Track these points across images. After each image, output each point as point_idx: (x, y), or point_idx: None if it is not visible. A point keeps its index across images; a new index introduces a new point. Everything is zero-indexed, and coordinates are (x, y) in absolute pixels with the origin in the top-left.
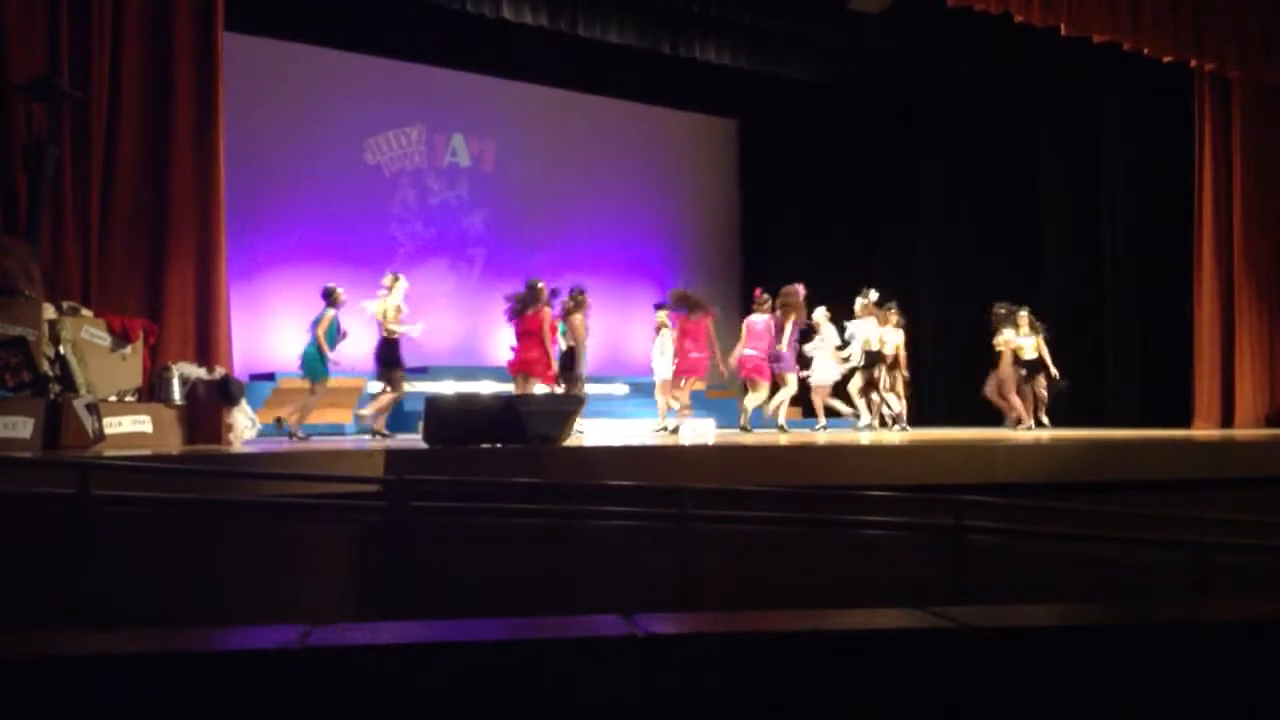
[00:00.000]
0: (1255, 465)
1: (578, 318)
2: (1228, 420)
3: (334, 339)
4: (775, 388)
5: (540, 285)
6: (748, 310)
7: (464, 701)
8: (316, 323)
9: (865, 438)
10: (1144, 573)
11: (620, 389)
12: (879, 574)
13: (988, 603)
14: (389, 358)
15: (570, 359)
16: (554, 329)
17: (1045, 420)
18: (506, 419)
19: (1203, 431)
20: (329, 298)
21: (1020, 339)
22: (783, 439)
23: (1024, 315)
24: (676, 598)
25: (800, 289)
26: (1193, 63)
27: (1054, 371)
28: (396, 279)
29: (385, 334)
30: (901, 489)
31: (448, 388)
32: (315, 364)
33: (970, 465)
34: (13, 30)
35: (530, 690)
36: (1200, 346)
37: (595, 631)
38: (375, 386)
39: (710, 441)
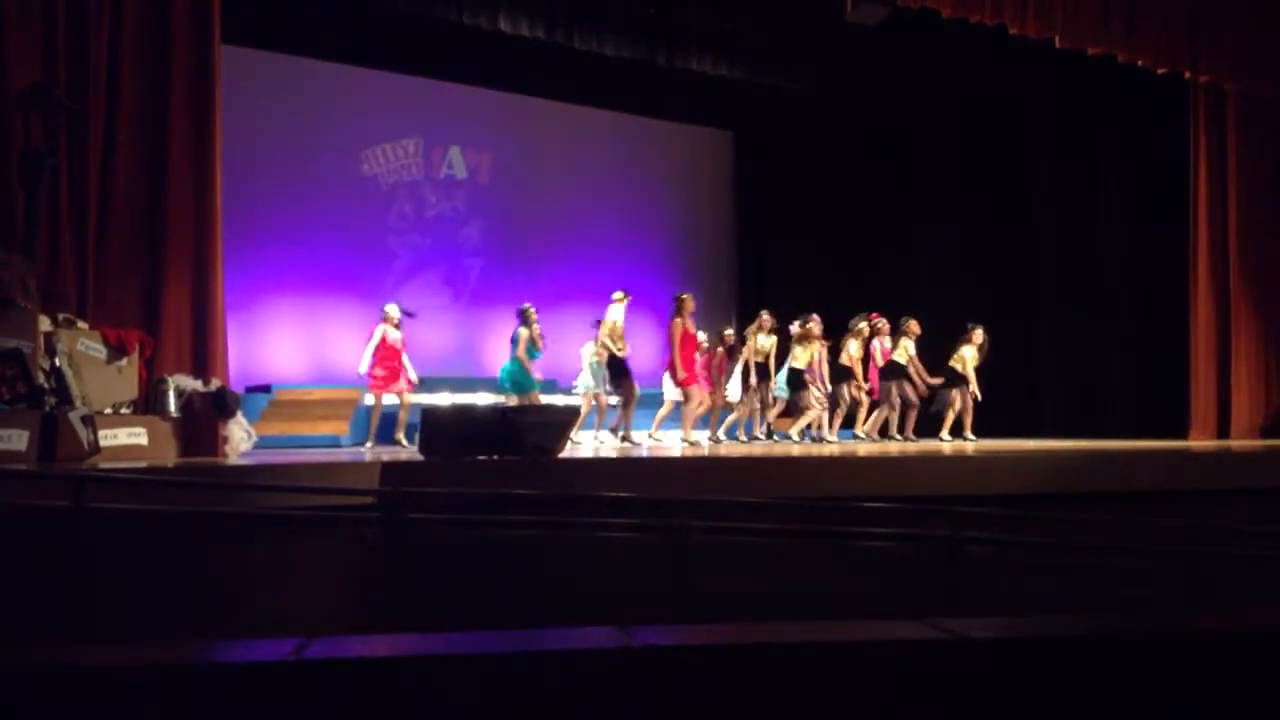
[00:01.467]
0: (1251, 476)
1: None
2: (1223, 431)
3: (533, 353)
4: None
5: (680, 296)
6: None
7: (460, 713)
8: (515, 341)
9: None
10: (1139, 583)
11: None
12: (875, 585)
13: (984, 614)
14: (615, 369)
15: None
16: (685, 338)
17: (962, 435)
18: (503, 430)
19: (1199, 442)
20: (522, 317)
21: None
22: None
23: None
24: (672, 610)
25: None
26: (1187, 74)
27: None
28: (624, 296)
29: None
30: (898, 500)
31: (444, 399)
32: (521, 379)
33: (966, 476)
34: (9, 40)
35: (527, 702)
36: (1196, 357)
37: (592, 643)
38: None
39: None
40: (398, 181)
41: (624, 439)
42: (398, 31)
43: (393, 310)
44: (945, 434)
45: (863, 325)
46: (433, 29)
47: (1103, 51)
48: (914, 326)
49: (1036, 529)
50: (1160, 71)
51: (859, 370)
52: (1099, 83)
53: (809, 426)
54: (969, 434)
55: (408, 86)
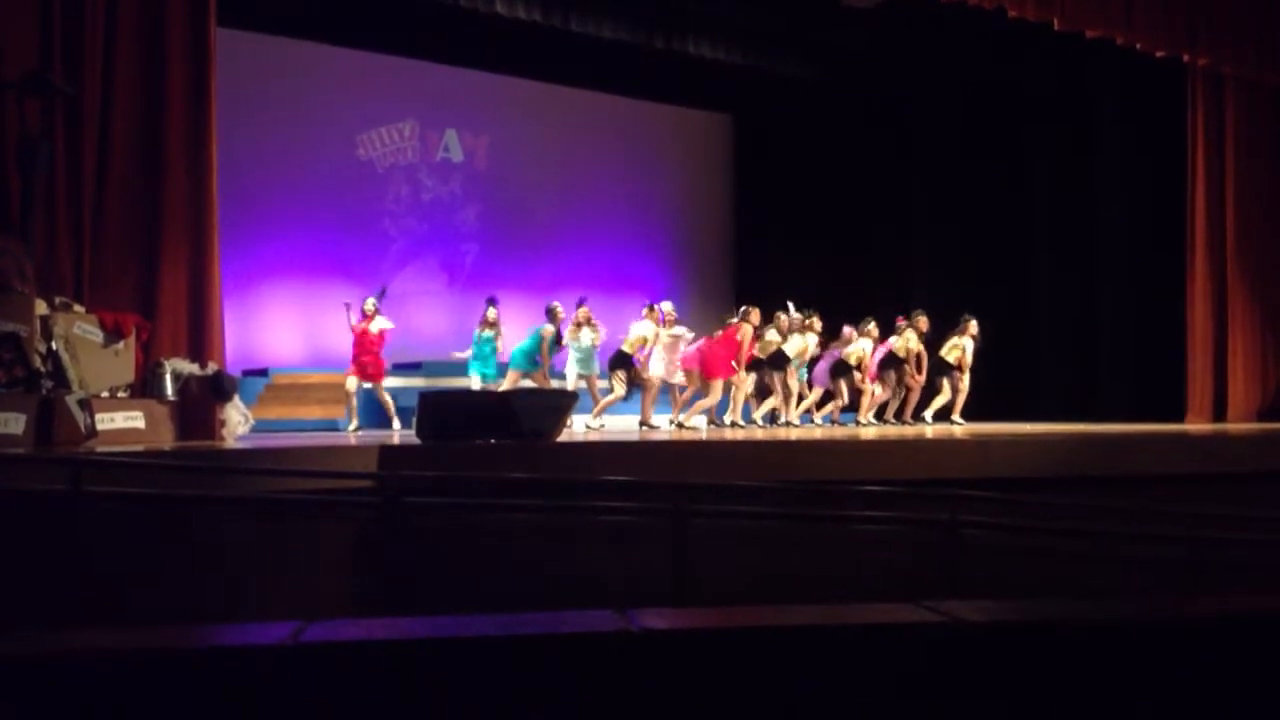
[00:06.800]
0: (1248, 460)
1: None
2: (1220, 415)
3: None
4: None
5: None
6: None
7: (459, 697)
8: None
9: (867, 433)
10: (1137, 568)
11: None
12: (873, 569)
13: (981, 598)
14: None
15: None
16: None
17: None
18: (500, 414)
19: (1196, 426)
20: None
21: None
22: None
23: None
24: (671, 593)
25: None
26: (1186, 58)
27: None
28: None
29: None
30: (895, 484)
31: (441, 383)
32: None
33: (964, 460)
34: (4, 25)
35: (525, 686)
36: (1193, 341)
37: (590, 627)
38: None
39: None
40: (394, 165)
41: (643, 424)
42: (394, 14)
43: (370, 304)
44: (928, 415)
45: (921, 319)
46: (429, 11)
47: (1102, 34)
48: (923, 324)
49: (1034, 513)
50: (1159, 55)
51: (915, 361)
52: (1098, 67)
53: (774, 411)
54: (956, 418)
55: (404, 69)
